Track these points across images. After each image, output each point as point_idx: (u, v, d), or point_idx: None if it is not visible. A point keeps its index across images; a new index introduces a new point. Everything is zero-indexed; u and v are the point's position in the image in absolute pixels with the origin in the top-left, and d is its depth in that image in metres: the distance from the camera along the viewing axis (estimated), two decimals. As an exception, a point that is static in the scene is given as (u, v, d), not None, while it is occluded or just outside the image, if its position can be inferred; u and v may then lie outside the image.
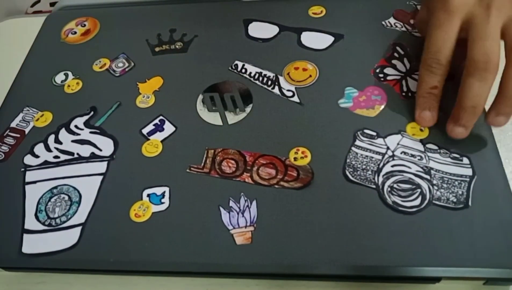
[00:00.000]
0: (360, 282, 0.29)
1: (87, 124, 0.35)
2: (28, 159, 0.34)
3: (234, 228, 0.29)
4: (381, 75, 0.35)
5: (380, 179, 0.30)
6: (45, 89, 0.38)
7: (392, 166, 0.30)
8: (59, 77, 0.39)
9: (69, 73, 0.39)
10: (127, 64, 0.39)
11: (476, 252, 0.26)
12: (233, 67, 0.37)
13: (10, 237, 0.31)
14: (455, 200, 0.28)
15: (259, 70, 0.37)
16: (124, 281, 0.31)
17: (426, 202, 0.29)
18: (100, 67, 0.39)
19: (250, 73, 0.37)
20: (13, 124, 0.36)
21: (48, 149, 0.34)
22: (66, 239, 0.30)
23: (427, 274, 0.27)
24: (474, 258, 0.26)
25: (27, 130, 0.36)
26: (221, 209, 0.30)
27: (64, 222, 0.31)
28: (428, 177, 0.30)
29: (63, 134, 0.35)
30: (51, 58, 0.41)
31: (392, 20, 0.39)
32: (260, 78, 0.36)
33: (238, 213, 0.29)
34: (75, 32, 0.42)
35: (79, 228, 0.30)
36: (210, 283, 0.30)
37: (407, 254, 0.27)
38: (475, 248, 0.26)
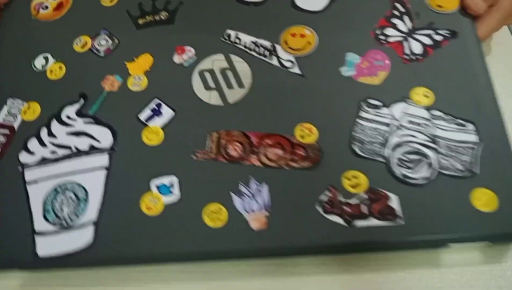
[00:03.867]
0: (372, 252, 0.31)
1: (79, 113, 0.34)
2: (24, 157, 0.33)
3: (248, 213, 0.29)
4: (382, 37, 0.34)
5: (388, 151, 0.30)
6: (26, 76, 0.36)
7: (399, 136, 0.30)
8: (39, 61, 0.36)
9: (49, 56, 0.36)
10: (110, 42, 0.36)
11: (483, 217, 0.27)
12: (226, 37, 0.35)
13: (22, 240, 0.30)
14: (462, 168, 0.29)
15: (254, 39, 0.35)
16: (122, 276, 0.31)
17: (434, 172, 0.29)
18: (82, 47, 0.36)
19: (245, 43, 0.35)
20: (-1, 119, 0.34)
21: (42, 144, 0.33)
22: (80, 238, 0.30)
23: (437, 239, 0.28)
24: (481, 223, 0.27)
25: (16, 125, 0.34)
26: (233, 195, 0.30)
27: (75, 221, 0.30)
28: (435, 146, 0.30)
29: (55, 126, 0.33)
30: (25, 39, 0.37)
31: (389, -28, 0.36)
32: (256, 49, 0.34)
33: (250, 198, 0.30)
34: (47, 7, 0.38)
35: (92, 226, 0.30)
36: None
37: (417, 224, 0.28)
38: (482, 213, 0.28)
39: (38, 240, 0.30)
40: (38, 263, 0.30)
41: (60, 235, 0.30)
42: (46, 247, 0.30)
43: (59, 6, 0.38)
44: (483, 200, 0.28)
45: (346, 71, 0.33)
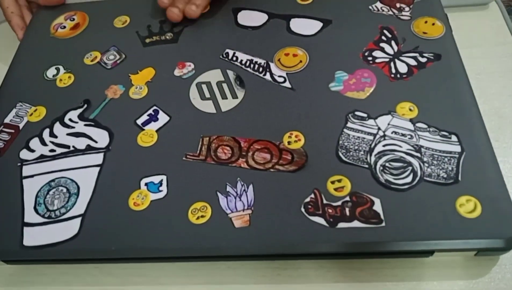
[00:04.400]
0: (355, 258, 0.30)
1: (81, 117, 0.36)
2: (24, 154, 0.34)
3: (232, 212, 0.30)
4: (370, 58, 0.36)
5: (373, 158, 0.31)
6: (37, 84, 0.38)
7: (384, 145, 0.31)
8: (51, 72, 0.39)
9: (60, 67, 0.39)
10: (118, 56, 0.39)
11: (467, 225, 0.27)
12: (224, 56, 0.38)
13: (11, 231, 0.31)
14: (445, 176, 0.29)
15: (250, 57, 0.37)
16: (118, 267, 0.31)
17: (417, 179, 0.29)
18: (91, 60, 0.39)
19: (241, 60, 0.37)
20: (6, 120, 0.36)
21: (43, 143, 0.35)
22: (66, 230, 0.30)
23: (420, 248, 0.28)
24: (465, 230, 0.27)
25: (21, 125, 0.36)
26: (219, 194, 0.30)
27: (64, 213, 0.31)
28: (418, 155, 0.30)
29: (57, 127, 0.35)
30: (41, 53, 0.41)
31: (379, 5, 0.39)
32: (252, 65, 0.37)
33: (235, 198, 0.30)
34: (65, 27, 0.42)
35: (79, 219, 0.31)
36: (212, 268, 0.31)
37: (400, 229, 0.28)
38: (466, 220, 0.27)
39: (26, 231, 0.31)
40: (22, 252, 0.30)
41: (48, 226, 0.31)
42: (32, 237, 0.30)
43: (75, 26, 0.42)
44: (467, 206, 0.28)
45: (334, 86, 0.34)
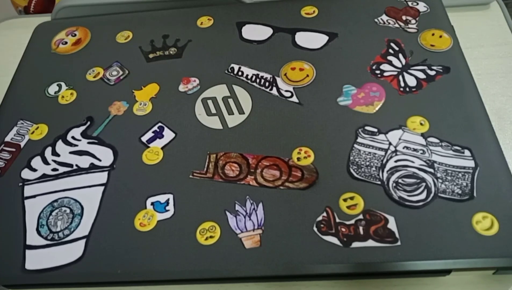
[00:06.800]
0: (369, 278, 0.29)
1: (84, 134, 0.35)
2: (26, 173, 0.33)
3: (242, 232, 0.29)
4: (377, 72, 0.35)
5: (385, 175, 0.30)
6: (39, 101, 0.38)
7: (396, 161, 0.31)
8: (52, 88, 0.38)
9: (62, 84, 0.38)
10: (121, 72, 0.38)
11: (485, 242, 0.27)
12: (229, 70, 0.37)
13: (12, 254, 0.30)
14: (460, 192, 0.29)
15: (255, 72, 0.37)
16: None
17: (431, 195, 0.29)
18: (94, 76, 0.38)
19: (247, 75, 0.37)
20: (7, 138, 0.35)
21: (45, 162, 0.34)
22: (70, 252, 0.29)
23: (437, 267, 0.27)
24: (483, 248, 0.26)
25: (22, 144, 0.35)
26: (227, 213, 0.30)
27: (67, 235, 0.30)
28: (432, 170, 0.30)
29: (60, 146, 0.34)
30: (42, 69, 0.40)
31: (384, 17, 0.39)
32: (257, 80, 0.36)
33: (245, 217, 0.29)
34: (66, 42, 0.41)
35: (83, 240, 0.30)
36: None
37: (416, 248, 0.27)
38: (483, 238, 0.27)
39: (28, 254, 0.30)
40: (24, 277, 0.29)
41: (51, 249, 0.30)
42: (35, 261, 0.29)
43: (77, 42, 0.41)
44: (483, 223, 0.27)
45: (342, 101, 0.34)
